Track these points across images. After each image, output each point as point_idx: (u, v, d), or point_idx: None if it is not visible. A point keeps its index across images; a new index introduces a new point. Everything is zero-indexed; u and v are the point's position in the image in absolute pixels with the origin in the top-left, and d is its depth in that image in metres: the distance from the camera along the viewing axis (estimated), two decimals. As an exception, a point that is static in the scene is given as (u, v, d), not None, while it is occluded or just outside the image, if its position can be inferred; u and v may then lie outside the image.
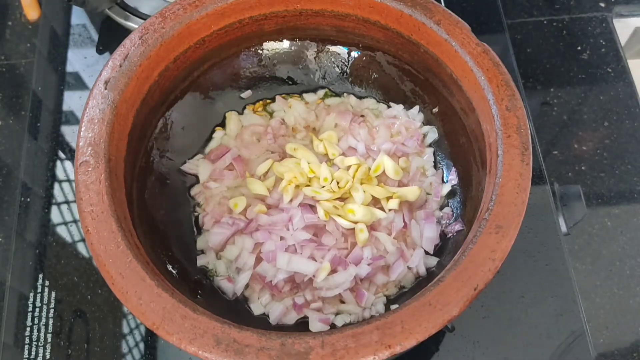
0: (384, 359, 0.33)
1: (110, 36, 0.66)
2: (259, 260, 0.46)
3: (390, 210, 0.47)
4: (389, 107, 0.53)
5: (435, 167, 0.51)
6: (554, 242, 0.53)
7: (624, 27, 0.72)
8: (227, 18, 0.48)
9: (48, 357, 0.49)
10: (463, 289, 0.35)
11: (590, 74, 0.65)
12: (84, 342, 0.50)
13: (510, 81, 0.42)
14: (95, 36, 0.67)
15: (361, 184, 0.48)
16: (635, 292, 0.54)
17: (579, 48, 0.67)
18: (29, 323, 0.50)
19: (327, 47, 0.53)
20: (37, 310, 0.51)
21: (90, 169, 0.39)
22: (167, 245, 0.45)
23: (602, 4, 0.70)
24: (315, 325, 0.43)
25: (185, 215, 0.49)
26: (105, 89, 0.42)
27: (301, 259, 0.44)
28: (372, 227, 0.47)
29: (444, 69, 0.46)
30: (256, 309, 0.45)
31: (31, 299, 0.51)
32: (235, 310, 0.44)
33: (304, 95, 0.55)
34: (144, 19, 0.59)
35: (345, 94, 0.55)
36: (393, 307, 0.43)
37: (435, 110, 0.51)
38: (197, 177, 0.50)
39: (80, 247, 0.54)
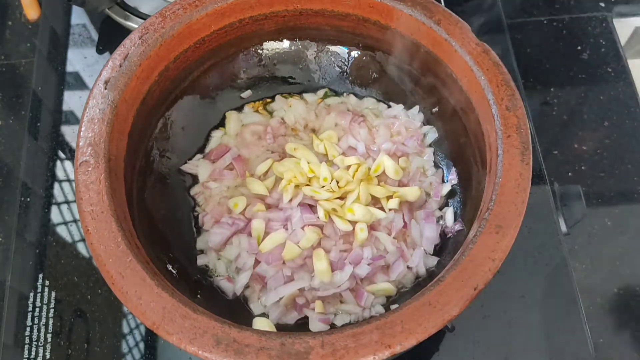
0: (384, 358, 0.33)
1: (110, 36, 0.66)
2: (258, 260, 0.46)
3: (390, 210, 0.47)
4: (389, 107, 0.53)
5: (435, 167, 0.51)
6: (554, 242, 0.53)
7: (624, 27, 0.72)
8: (227, 18, 0.48)
9: (48, 357, 0.49)
10: (463, 289, 0.35)
11: (590, 74, 0.65)
12: (84, 342, 0.50)
13: (510, 81, 0.42)
14: (95, 36, 0.67)
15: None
16: (635, 292, 0.54)
17: (579, 48, 0.67)
18: (29, 323, 0.50)
19: (327, 47, 0.53)
20: (37, 310, 0.51)
21: (90, 169, 0.39)
22: (167, 245, 0.45)
23: (602, 4, 0.70)
24: (315, 325, 0.43)
25: (185, 215, 0.49)
26: (105, 89, 0.42)
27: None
28: (372, 227, 0.47)
29: (444, 68, 0.46)
30: (256, 309, 0.45)
31: (31, 299, 0.51)
32: (235, 310, 0.44)
33: (304, 94, 0.55)
34: (144, 19, 0.59)
35: (345, 94, 0.55)
36: (393, 307, 0.43)
37: (435, 110, 0.51)
38: (197, 177, 0.50)
39: (80, 247, 0.54)
